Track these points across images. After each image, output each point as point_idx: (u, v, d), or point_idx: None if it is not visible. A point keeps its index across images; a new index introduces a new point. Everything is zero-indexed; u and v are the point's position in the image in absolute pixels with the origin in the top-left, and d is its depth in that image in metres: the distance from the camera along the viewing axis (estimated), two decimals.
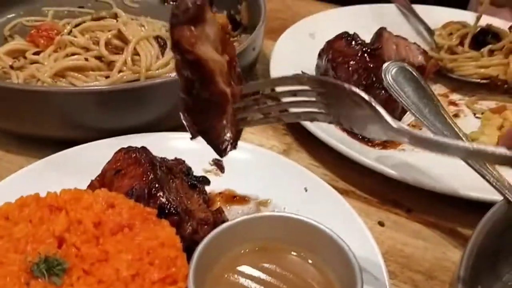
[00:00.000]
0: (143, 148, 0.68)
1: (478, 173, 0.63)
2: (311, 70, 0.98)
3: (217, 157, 0.77)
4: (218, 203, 0.72)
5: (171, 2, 1.22)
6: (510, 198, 0.60)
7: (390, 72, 0.68)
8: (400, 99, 0.66)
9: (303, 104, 0.53)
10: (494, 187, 0.62)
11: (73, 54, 0.91)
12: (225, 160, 0.78)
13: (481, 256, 0.58)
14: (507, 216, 0.60)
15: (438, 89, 1.00)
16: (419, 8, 1.19)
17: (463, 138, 0.65)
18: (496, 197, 0.61)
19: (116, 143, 0.72)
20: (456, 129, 0.66)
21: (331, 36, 0.99)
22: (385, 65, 0.69)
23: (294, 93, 0.52)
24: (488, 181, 0.62)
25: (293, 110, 0.54)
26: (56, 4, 1.17)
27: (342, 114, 0.50)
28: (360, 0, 1.23)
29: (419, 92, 0.66)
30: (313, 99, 0.51)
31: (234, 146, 0.58)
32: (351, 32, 0.98)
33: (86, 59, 0.90)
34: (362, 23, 1.11)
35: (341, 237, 0.54)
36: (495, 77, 0.94)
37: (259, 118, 0.55)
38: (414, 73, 0.68)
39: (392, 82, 0.67)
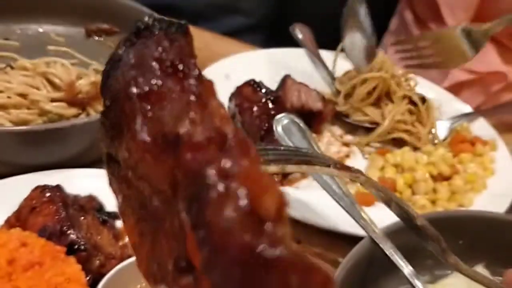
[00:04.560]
0: (58, 186, 0.75)
1: (349, 213, 0.75)
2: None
3: None
4: (127, 238, 0.79)
5: (96, 37, 1.29)
6: (372, 237, 0.72)
7: (281, 123, 0.79)
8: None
9: None
10: (361, 226, 0.73)
11: None
12: None
13: (349, 282, 0.69)
14: (370, 251, 0.72)
15: (335, 130, 1.13)
16: (326, 54, 1.32)
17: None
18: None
19: (33, 179, 0.79)
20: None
21: (244, 78, 1.09)
22: (277, 117, 0.80)
23: None
24: (356, 221, 0.74)
25: None
26: None
27: None
28: (279, 43, 1.34)
29: (303, 143, 0.77)
30: None
31: None
32: (262, 76, 1.10)
33: (9, 97, 0.95)
34: (274, 66, 1.22)
35: None
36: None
37: None
38: (300, 124, 0.79)
39: (281, 133, 0.78)
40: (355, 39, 1.18)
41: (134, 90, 0.30)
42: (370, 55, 1.14)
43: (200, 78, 0.30)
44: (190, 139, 0.27)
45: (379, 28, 1.54)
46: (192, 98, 0.29)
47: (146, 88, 0.29)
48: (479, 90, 1.41)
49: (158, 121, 0.29)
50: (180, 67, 0.30)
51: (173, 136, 0.28)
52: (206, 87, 0.30)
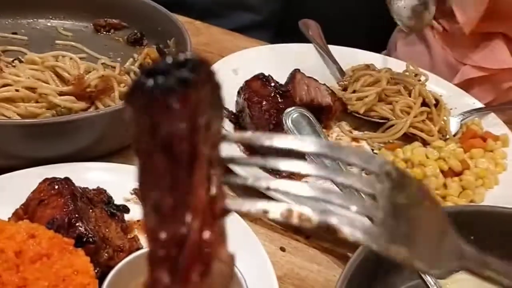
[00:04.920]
0: (66, 179, 0.74)
1: None
2: (232, 106, 1.07)
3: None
4: (136, 230, 0.79)
5: (104, 32, 1.29)
6: None
7: (291, 116, 0.78)
8: None
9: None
10: None
11: (4, 85, 0.95)
12: None
13: (358, 277, 0.69)
14: None
15: (344, 126, 1.12)
16: (334, 49, 1.31)
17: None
18: None
19: (41, 172, 0.78)
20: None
21: (252, 73, 1.08)
22: (287, 110, 0.79)
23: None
24: None
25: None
26: None
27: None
28: (286, 40, 1.33)
29: (313, 137, 0.76)
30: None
31: None
32: (270, 71, 1.09)
33: (17, 90, 0.95)
34: (282, 61, 1.21)
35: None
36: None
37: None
38: (310, 118, 0.78)
39: (291, 126, 0.77)
40: None
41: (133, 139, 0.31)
42: (419, 15, 1.06)
43: (188, 163, 0.30)
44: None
45: (388, 27, 1.53)
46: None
47: (140, 148, 0.30)
48: (489, 87, 1.39)
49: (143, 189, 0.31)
50: (170, 141, 0.30)
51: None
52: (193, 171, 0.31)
